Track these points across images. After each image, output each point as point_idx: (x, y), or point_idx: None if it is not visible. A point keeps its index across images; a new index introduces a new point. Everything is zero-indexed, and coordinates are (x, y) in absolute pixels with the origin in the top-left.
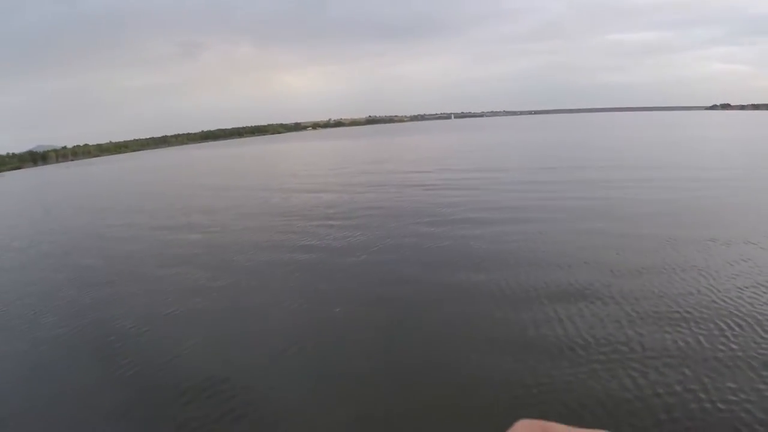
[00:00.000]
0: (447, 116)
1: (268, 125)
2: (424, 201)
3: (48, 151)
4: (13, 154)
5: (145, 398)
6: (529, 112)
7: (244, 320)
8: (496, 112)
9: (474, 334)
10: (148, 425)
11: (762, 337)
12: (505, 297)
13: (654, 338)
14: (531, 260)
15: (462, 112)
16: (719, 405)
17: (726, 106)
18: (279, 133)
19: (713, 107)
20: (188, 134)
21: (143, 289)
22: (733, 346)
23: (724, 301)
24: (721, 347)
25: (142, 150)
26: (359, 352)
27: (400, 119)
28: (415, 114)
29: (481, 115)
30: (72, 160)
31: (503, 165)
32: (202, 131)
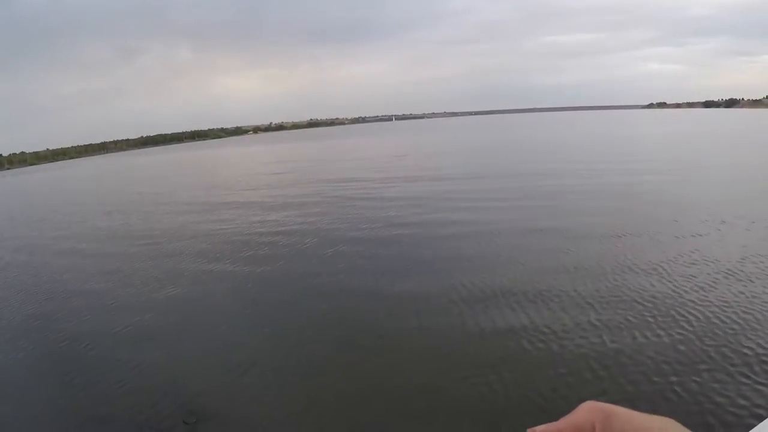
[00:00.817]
0: (388, 118)
1: (209, 130)
2: (362, 213)
3: None
4: None
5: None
6: (469, 113)
7: (194, 335)
8: (436, 113)
9: (427, 343)
10: None
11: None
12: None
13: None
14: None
15: (403, 114)
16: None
17: (662, 105)
18: (219, 137)
19: (650, 106)
20: (127, 140)
21: (85, 305)
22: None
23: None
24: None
25: (81, 157)
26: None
27: (341, 122)
28: (357, 116)
29: (422, 116)
30: (8, 168)
31: (441, 170)
32: (142, 137)
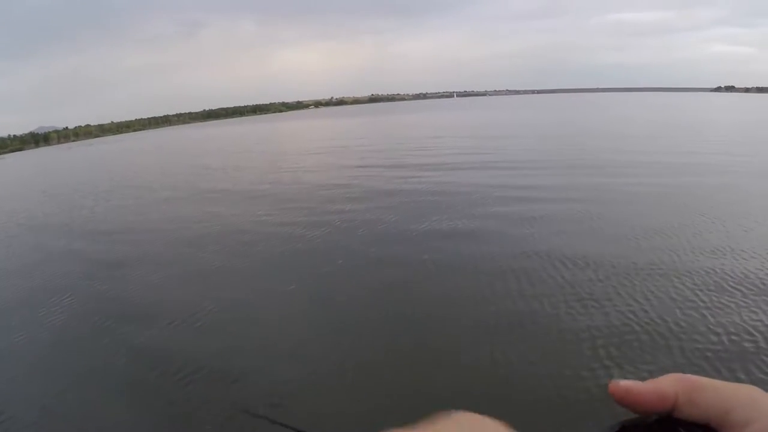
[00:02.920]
0: (449, 95)
1: (270, 104)
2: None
3: (49, 133)
4: (14, 136)
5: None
6: (532, 92)
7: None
8: (498, 91)
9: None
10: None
11: None
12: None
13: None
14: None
15: (464, 91)
16: None
17: (730, 89)
18: (280, 111)
19: (718, 89)
20: (190, 113)
21: (154, 272)
22: None
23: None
24: None
25: (144, 129)
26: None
27: (402, 98)
28: (418, 93)
29: (484, 93)
30: (74, 141)
31: (506, 155)
32: (204, 110)
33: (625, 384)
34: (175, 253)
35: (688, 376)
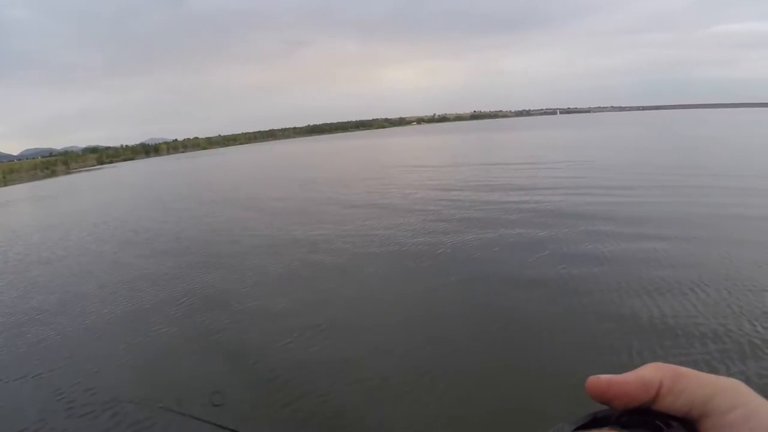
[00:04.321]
0: (552, 112)
1: (373, 120)
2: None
3: (159, 144)
4: (126, 146)
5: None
6: (636, 108)
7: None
8: (603, 107)
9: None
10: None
11: None
12: None
13: None
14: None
15: (568, 108)
16: None
17: None
18: (383, 127)
19: None
20: (294, 128)
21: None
22: None
23: None
24: None
25: (250, 143)
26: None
27: (505, 114)
28: (520, 109)
29: (588, 110)
30: (182, 152)
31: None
32: (308, 125)
33: (606, 377)
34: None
35: (668, 365)
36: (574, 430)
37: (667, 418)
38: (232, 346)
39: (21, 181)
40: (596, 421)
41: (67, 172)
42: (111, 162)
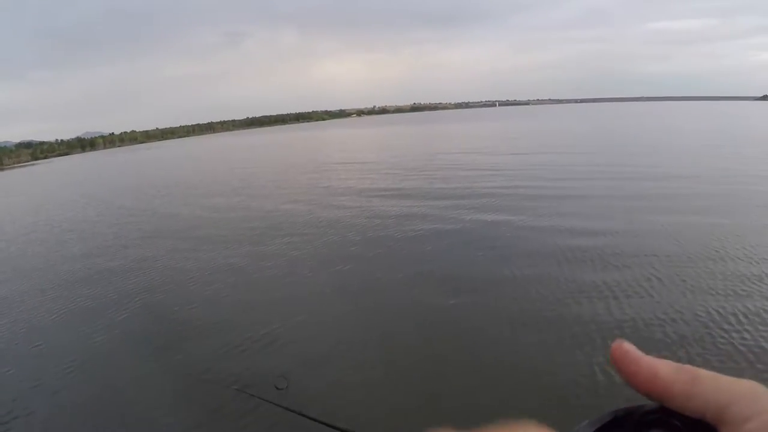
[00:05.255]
0: (492, 104)
1: (312, 112)
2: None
3: (96, 138)
4: (62, 140)
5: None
6: (575, 101)
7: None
8: (541, 100)
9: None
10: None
11: None
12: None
13: None
14: None
15: (507, 100)
16: None
17: None
18: (323, 119)
19: (765, 98)
20: (233, 121)
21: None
22: None
23: None
24: None
25: (189, 136)
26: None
27: (444, 106)
28: (460, 101)
29: (527, 103)
30: (119, 146)
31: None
32: (247, 118)
33: (626, 348)
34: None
35: (687, 366)
36: (596, 429)
37: (688, 419)
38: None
39: None
40: (616, 420)
41: (0, 169)
42: (46, 157)
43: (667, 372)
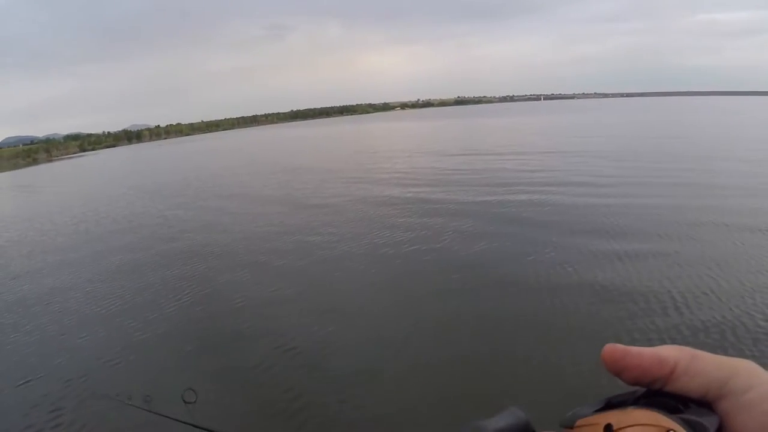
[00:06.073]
0: (537, 98)
1: (357, 105)
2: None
3: (142, 130)
4: (108, 132)
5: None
6: (621, 95)
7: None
8: (587, 94)
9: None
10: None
11: None
12: None
13: None
14: None
15: (552, 94)
16: None
17: None
18: (367, 113)
19: None
20: (277, 114)
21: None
22: None
23: None
24: None
25: (233, 129)
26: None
27: (489, 100)
28: (504, 95)
29: (572, 97)
30: (165, 138)
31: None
32: (291, 111)
33: (623, 347)
34: None
35: (685, 347)
36: (593, 412)
37: (684, 400)
38: (213, 338)
39: (2, 169)
40: (610, 405)
41: (49, 160)
42: (93, 149)
43: (669, 353)
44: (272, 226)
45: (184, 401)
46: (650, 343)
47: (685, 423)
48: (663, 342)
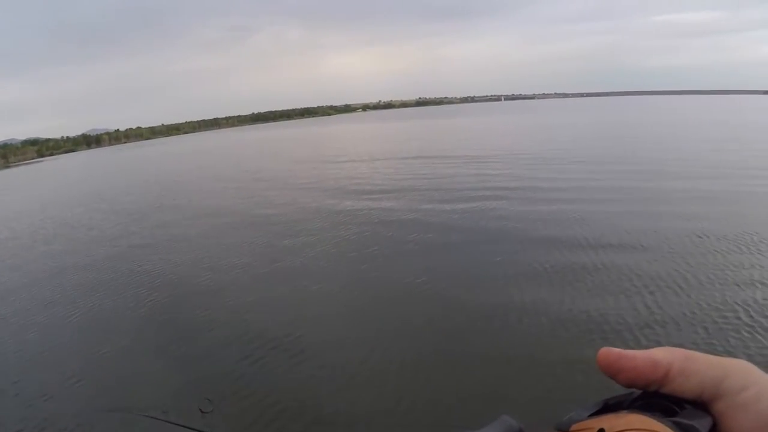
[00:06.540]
0: (497, 98)
1: (318, 107)
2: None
3: (101, 135)
4: (67, 137)
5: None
6: (580, 95)
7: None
8: (547, 94)
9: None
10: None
11: None
12: None
13: None
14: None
15: (512, 94)
16: None
17: None
18: (329, 114)
19: None
20: (239, 116)
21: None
22: None
23: None
24: None
25: (194, 132)
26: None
27: (450, 101)
28: (465, 96)
29: (533, 97)
30: (125, 142)
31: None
32: (253, 113)
33: (617, 351)
34: None
35: (679, 348)
36: (588, 416)
37: (679, 401)
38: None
39: None
40: (607, 407)
41: (6, 166)
42: (52, 154)
43: (663, 355)
44: (226, 234)
45: (201, 411)
46: (626, 342)
47: (677, 426)
48: (637, 340)
